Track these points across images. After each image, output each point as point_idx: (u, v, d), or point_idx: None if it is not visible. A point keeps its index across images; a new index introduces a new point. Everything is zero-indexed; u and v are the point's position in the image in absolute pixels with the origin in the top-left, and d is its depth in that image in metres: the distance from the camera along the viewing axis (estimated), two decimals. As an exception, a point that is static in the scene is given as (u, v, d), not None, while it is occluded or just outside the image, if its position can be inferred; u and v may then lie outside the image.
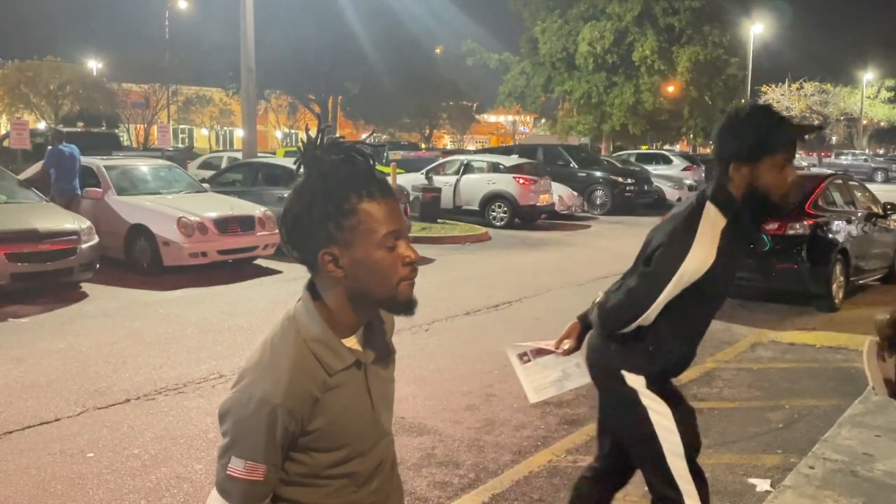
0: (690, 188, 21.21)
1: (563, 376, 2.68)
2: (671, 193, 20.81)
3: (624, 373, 2.41)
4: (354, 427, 1.42)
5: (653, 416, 2.37)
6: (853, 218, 8.82)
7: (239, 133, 34.59)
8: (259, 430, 1.32)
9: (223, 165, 16.06)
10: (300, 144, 1.46)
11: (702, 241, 2.21)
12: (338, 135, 1.86)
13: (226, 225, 9.63)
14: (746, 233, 2.31)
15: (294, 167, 1.47)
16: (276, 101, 37.45)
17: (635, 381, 2.40)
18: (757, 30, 33.42)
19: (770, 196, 2.18)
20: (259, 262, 10.29)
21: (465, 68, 35.73)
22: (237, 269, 9.87)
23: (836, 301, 8.22)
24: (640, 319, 2.31)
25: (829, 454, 3.99)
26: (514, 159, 17.44)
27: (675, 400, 2.43)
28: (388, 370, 1.54)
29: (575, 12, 30.39)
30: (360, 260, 1.36)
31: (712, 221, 2.24)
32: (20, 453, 4.19)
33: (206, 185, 11.61)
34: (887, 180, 41.08)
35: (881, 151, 60.93)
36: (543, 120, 42.81)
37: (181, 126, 47.00)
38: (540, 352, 2.67)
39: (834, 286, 8.19)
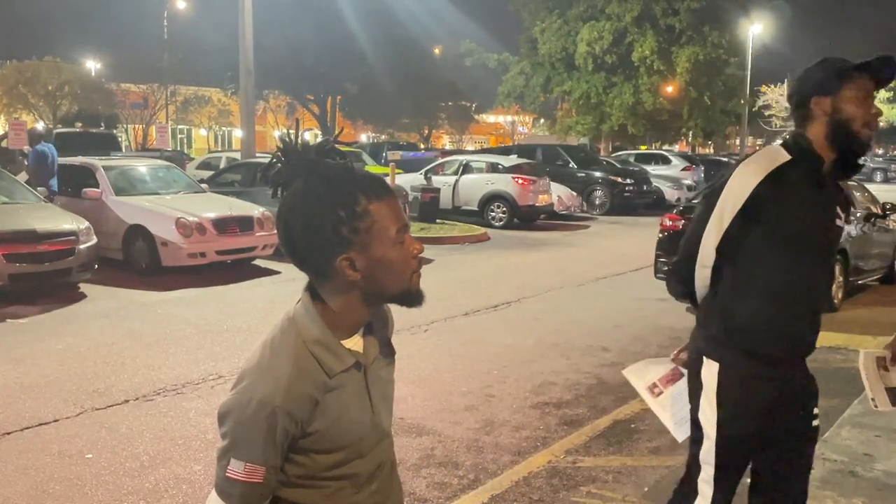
0: (689, 188, 21.22)
1: None
2: (670, 194, 20.82)
3: (705, 359, 2.22)
4: (354, 429, 1.42)
5: (700, 418, 2.25)
6: (852, 218, 8.82)
7: (237, 133, 34.56)
8: (259, 431, 1.32)
9: (222, 166, 16.06)
10: (279, 148, 1.43)
11: (744, 169, 2.15)
12: (319, 135, 1.83)
13: (224, 225, 9.62)
14: (820, 177, 2.16)
15: (274, 172, 1.42)
16: (275, 101, 37.43)
17: (708, 371, 2.21)
18: (756, 30, 33.41)
19: (852, 126, 2.11)
20: (258, 262, 10.29)
21: (463, 68, 35.72)
22: (236, 269, 9.86)
23: (836, 301, 8.22)
24: (699, 267, 2.19)
25: (828, 454, 3.98)
26: (512, 159, 17.44)
27: (742, 408, 2.18)
28: (387, 371, 1.53)
29: (574, 12, 30.39)
30: (378, 260, 1.36)
31: (765, 157, 2.18)
32: (18, 454, 4.18)
33: (204, 186, 11.60)
34: (886, 180, 41.12)
35: (880, 151, 60.91)
36: (542, 120, 42.80)
37: (180, 126, 46.99)
38: (670, 379, 2.45)
39: (833, 286, 8.18)
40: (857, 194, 9.56)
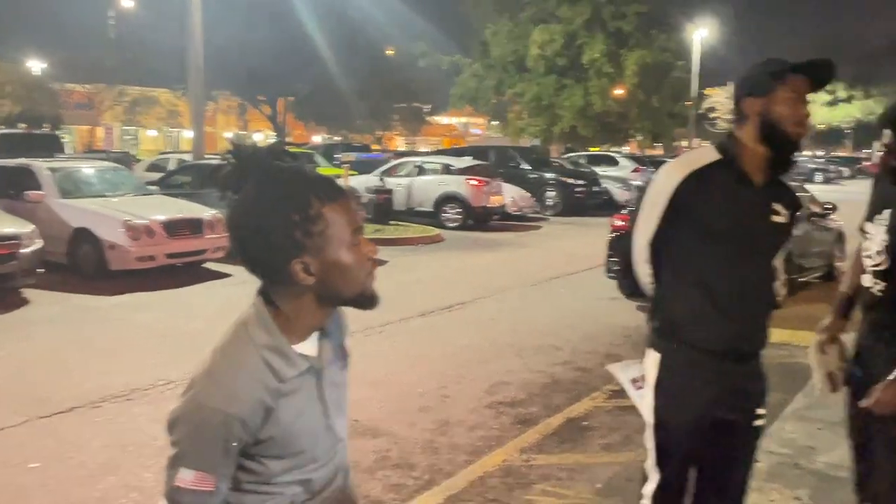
0: (639, 189, 21.55)
1: None
2: (620, 194, 21.12)
3: (649, 349, 2.31)
4: (308, 434, 1.41)
5: (643, 409, 2.32)
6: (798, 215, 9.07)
7: (187, 134, 33.97)
8: (209, 439, 1.30)
9: (171, 167, 15.78)
10: (229, 151, 1.40)
11: (668, 168, 2.24)
12: (273, 137, 1.81)
13: (174, 228, 9.45)
14: (744, 178, 2.21)
15: (224, 174, 1.39)
16: (225, 102, 36.84)
17: (651, 362, 2.29)
18: (701, 34, 34.18)
19: (782, 126, 2.15)
20: (208, 265, 10.12)
21: (417, 70, 35.71)
22: (186, 272, 9.70)
23: (779, 299, 8.44)
24: (638, 262, 2.28)
25: (774, 448, 4.10)
26: (466, 161, 17.50)
27: (682, 399, 2.24)
28: (342, 375, 1.52)
29: (525, 16, 30.67)
30: (333, 263, 1.35)
31: (699, 153, 2.26)
32: (-41, 466, 4.04)
33: (153, 188, 11.38)
34: (826, 181, 42.38)
35: (820, 153, 62.85)
36: (495, 122, 43.06)
37: (127, 128, 45.97)
38: None
39: (777, 284, 8.41)
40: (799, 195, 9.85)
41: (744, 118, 2.22)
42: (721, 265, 2.20)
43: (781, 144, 2.19)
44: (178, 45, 17.71)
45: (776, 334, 7.86)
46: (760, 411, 2.34)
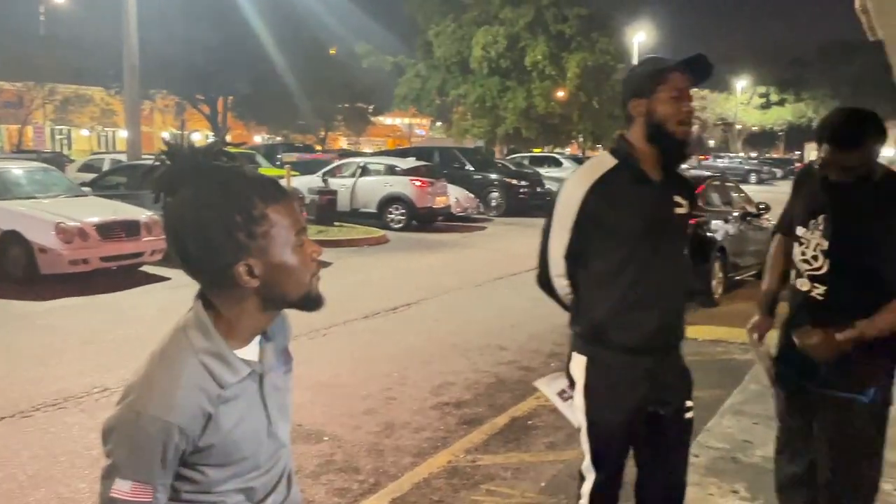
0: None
1: None
2: (563, 195, 21.40)
3: (574, 354, 2.37)
4: (249, 441, 1.38)
5: (576, 412, 2.38)
6: (730, 217, 9.34)
7: (122, 134, 33.03)
8: (147, 449, 1.25)
9: (105, 168, 15.34)
10: (163, 151, 1.36)
11: (572, 181, 2.32)
12: (210, 137, 1.76)
13: (109, 230, 9.18)
14: (641, 176, 2.27)
15: (158, 176, 1.35)
16: (163, 101, 35.97)
17: (577, 366, 2.35)
18: (640, 38, 34.90)
19: (667, 126, 2.21)
20: (145, 268, 9.86)
21: (360, 70, 35.52)
22: (122, 276, 9.43)
23: (716, 296, 8.69)
24: (554, 277, 2.36)
25: (712, 443, 4.20)
26: (410, 162, 17.49)
27: (609, 399, 2.29)
28: (285, 379, 1.49)
29: (469, 17, 30.81)
30: (277, 265, 1.32)
31: (597, 162, 2.34)
32: None
33: (86, 189, 11.03)
34: (760, 181, 43.77)
35: (754, 154, 64.85)
36: (439, 123, 43.15)
37: (59, 127, 44.49)
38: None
39: (714, 282, 8.64)
40: (734, 195, 10.14)
41: (631, 119, 2.29)
42: (636, 264, 2.25)
43: (668, 143, 2.25)
44: (113, 42, 17.20)
45: (713, 331, 8.08)
46: (689, 403, 2.38)
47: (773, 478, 2.78)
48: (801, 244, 2.52)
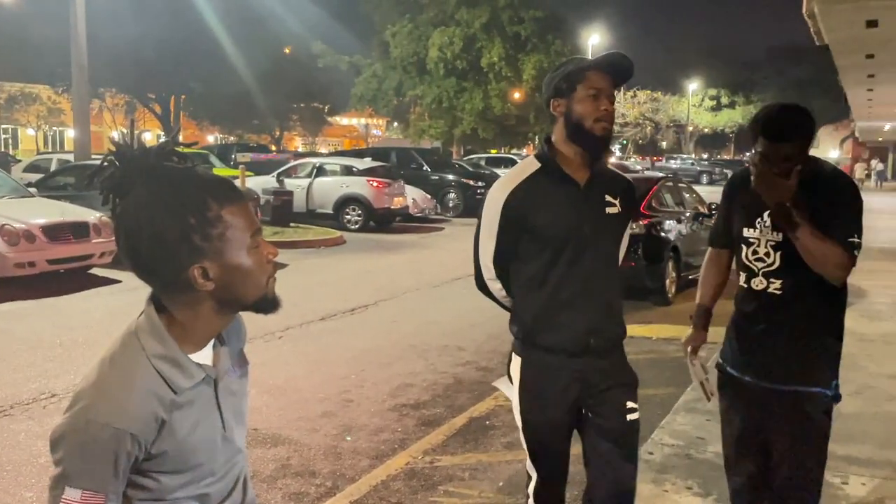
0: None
1: None
2: (520, 196, 21.54)
3: (512, 355, 2.41)
4: (204, 447, 1.35)
5: (514, 411, 2.41)
6: (683, 218, 9.51)
7: (71, 134, 32.24)
8: (97, 457, 1.22)
9: (53, 168, 14.96)
10: (111, 151, 1.33)
11: (495, 187, 2.36)
12: (161, 137, 1.72)
13: (56, 232, 8.94)
14: (563, 177, 2.28)
15: (106, 177, 1.32)
16: (112, 99, 35.20)
17: (514, 366, 2.39)
18: (594, 41, 35.34)
19: (584, 124, 2.22)
20: (95, 271, 9.63)
21: (316, 69, 35.25)
22: (70, 279, 9.19)
23: (670, 295, 8.83)
24: (487, 280, 2.43)
25: (666, 440, 4.27)
26: (367, 162, 17.41)
27: (543, 399, 2.33)
28: (240, 383, 1.47)
29: (425, 17, 30.82)
30: (233, 267, 1.30)
31: (522, 166, 2.37)
32: None
33: (32, 190, 10.73)
34: (711, 182, 44.66)
35: (706, 156, 66.17)
36: (396, 123, 43.08)
37: (3, 126, 43.23)
38: None
39: (667, 281, 8.79)
40: (686, 195, 10.33)
41: (554, 119, 2.32)
42: (562, 266, 2.26)
43: (586, 141, 2.26)
44: (60, 39, 16.76)
45: (666, 330, 8.20)
46: (631, 405, 2.37)
47: (728, 481, 2.78)
48: (748, 245, 2.55)
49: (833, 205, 2.40)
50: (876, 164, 43.74)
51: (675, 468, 3.91)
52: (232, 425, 1.42)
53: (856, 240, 2.38)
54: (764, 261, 2.51)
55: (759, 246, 2.52)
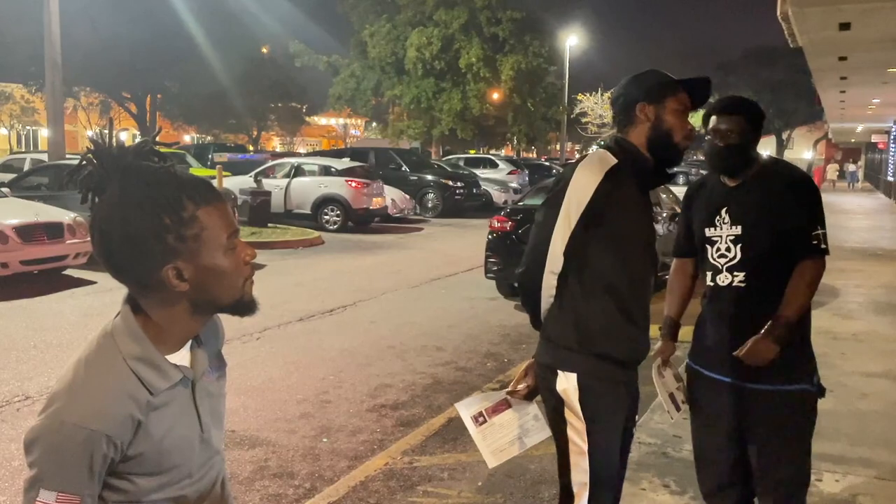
0: (516, 191, 22.15)
1: (521, 433, 2.36)
2: (498, 196, 21.61)
3: (560, 372, 2.17)
4: (181, 448, 1.34)
5: (569, 433, 2.18)
6: (660, 218, 9.58)
7: (44, 133, 31.78)
8: (72, 459, 1.21)
9: (26, 168, 14.75)
10: (89, 149, 1.32)
11: (583, 170, 2.15)
12: (137, 136, 1.70)
13: (29, 233, 8.81)
14: (644, 179, 2.23)
15: (84, 176, 1.31)
16: (87, 98, 34.78)
17: (567, 383, 2.15)
18: (572, 42, 35.50)
19: (673, 137, 2.20)
20: (69, 272, 9.52)
21: (294, 69, 35.08)
22: (44, 280, 9.07)
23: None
24: (547, 273, 2.14)
25: (643, 438, 4.30)
26: (345, 162, 17.36)
27: (608, 415, 2.17)
28: (218, 385, 1.46)
29: (403, 17, 30.77)
30: (208, 269, 1.29)
31: (599, 158, 2.18)
32: None
33: (5, 190, 10.58)
34: (687, 182, 45.05)
35: (682, 157, 66.63)
36: (375, 123, 42.97)
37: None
38: (496, 409, 2.36)
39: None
40: (663, 195, 10.41)
41: (633, 122, 2.23)
42: (628, 269, 2.16)
43: (669, 153, 2.23)
44: (34, 38, 16.54)
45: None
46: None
47: (700, 484, 2.79)
48: (711, 244, 2.62)
49: (792, 198, 2.50)
50: (847, 166, 44.39)
51: (651, 466, 3.95)
52: (210, 427, 1.41)
53: (819, 231, 2.49)
54: (726, 256, 2.58)
55: (720, 242, 2.59)
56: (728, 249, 2.57)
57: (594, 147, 2.61)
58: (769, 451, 2.55)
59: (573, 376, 2.14)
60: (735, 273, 2.56)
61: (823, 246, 2.49)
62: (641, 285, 2.21)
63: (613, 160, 2.16)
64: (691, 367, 2.75)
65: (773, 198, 2.51)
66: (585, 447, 2.14)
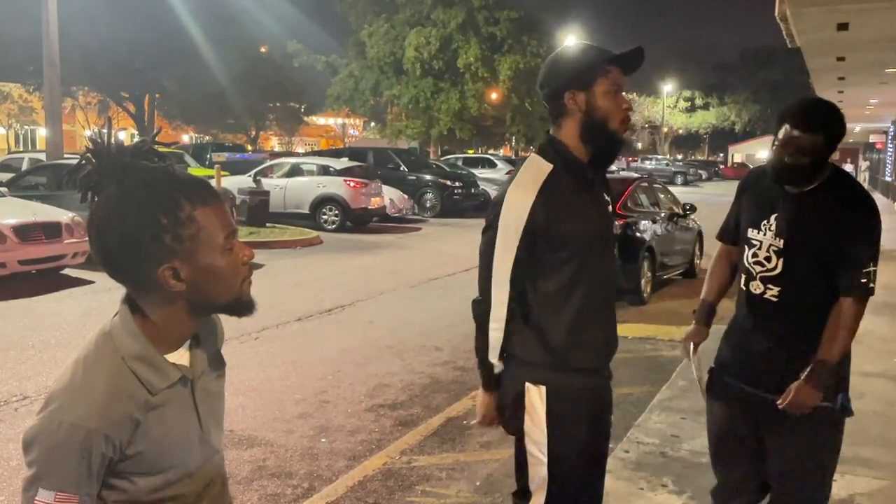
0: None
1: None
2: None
3: (528, 384, 2.08)
4: (180, 448, 1.35)
5: (528, 444, 2.13)
6: (658, 218, 9.60)
7: (42, 132, 31.73)
8: (71, 458, 1.21)
9: (24, 168, 14.74)
10: (88, 149, 1.32)
11: (515, 189, 2.05)
12: (136, 136, 1.70)
13: (27, 232, 8.80)
14: (583, 178, 2.08)
15: (83, 175, 1.31)
16: (85, 98, 34.77)
17: (536, 396, 2.07)
18: (570, 41, 35.48)
19: (609, 125, 2.03)
20: (67, 272, 9.51)
21: (292, 69, 35.07)
22: (42, 280, 9.06)
23: (645, 295, 8.91)
24: (495, 304, 2.05)
25: (641, 438, 4.31)
26: (344, 162, 17.35)
27: (571, 426, 2.07)
28: (217, 384, 1.46)
29: (401, 17, 30.76)
30: (205, 269, 1.29)
31: (532, 171, 2.06)
32: None
33: (3, 190, 10.57)
34: (686, 183, 45.12)
35: (680, 157, 66.81)
36: (373, 123, 42.98)
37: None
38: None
39: (642, 281, 8.87)
40: (661, 196, 10.43)
41: (565, 113, 2.06)
42: (587, 276, 2.06)
43: (607, 142, 2.07)
44: (32, 37, 16.53)
45: (642, 329, 8.26)
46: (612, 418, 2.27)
47: (715, 489, 2.74)
48: (751, 246, 2.47)
49: (845, 224, 2.31)
50: (844, 167, 44.46)
51: (649, 466, 3.95)
52: (209, 426, 1.42)
53: (871, 269, 2.30)
54: (763, 265, 2.43)
55: (759, 249, 2.44)
56: (768, 259, 2.41)
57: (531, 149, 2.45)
58: (784, 468, 2.46)
59: (543, 388, 2.07)
60: (769, 285, 2.42)
61: (872, 285, 2.31)
62: (602, 285, 2.11)
63: (548, 168, 2.04)
64: (714, 370, 2.65)
65: (828, 220, 2.32)
66: (545, 459, 2.08)
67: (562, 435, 2.06)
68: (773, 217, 2.41)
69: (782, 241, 2.38)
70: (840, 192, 2.36)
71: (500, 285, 2.04)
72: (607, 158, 2.14)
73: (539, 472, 2.10)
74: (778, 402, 2.34)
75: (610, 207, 2.19)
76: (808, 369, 2.30)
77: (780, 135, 2.32)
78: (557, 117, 2.09)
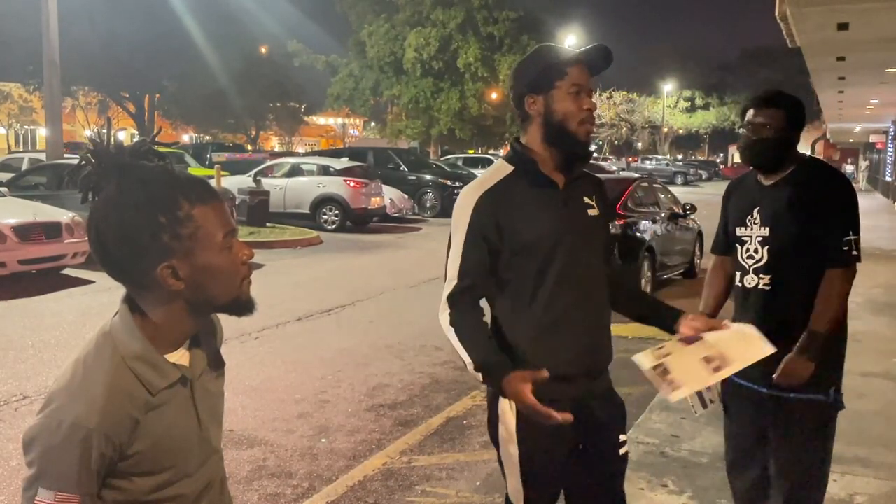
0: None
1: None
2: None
3: (500, 399, 2.02)
4: (179, 447, 1.34)
5: (502, 455, 2.10)
6: (658, 218, 9.60)
7: (42, 132, 31.74)
8: (71, 457, 1.21)
9: (24, 167, 14.75)
10: (88, 149, 1.33)
11: (464, 193, 2.07)
12: (136, 135, 1.71)
13: (27, 232, 8.80)
14: (544, 181, 2.04)
15: (83, 175, 1.32)
16: (85, 98, 34.79)
17: (507, 405, 2.01)
18: (570, 42, 35.53)
19: (568, 126, 1.99)
20: (67, 271, 9.51)
21: (292, 68, 35.10)
22: (42, 280, 9.06)
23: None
24: (444, 291, 2.05)
25: (641, 438, 4.31)
26: (344, 162, 17.35)
27: (542, 438, 1.99)
28: (216, 384, 1.46)
29: (401, 17, 30.81)
30: (203, 268, 1.29)
31: (493, 170, 2.10)
32: None
33: (3, 189, 10.57)
34: (686, 183, 45.12)
35: (680, 157, 66.77)
36: (373, 123, 42.99)
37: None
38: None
39: (643, 281, 8.87)
40: (661, 195, 10.43)
41: (527, 118, 2.07)
42: (551, 278, 2.00)
43: (569, 144, 2.03)
44: (32, 37, 16.53)
45: (642, 330, 8.21)
46: (623, 438, 2.16)
47: (732, 489, 2.77)
48: (741, 244, 2.59)
49: (824, 201, 2.44)
50: (844, 167, 44.48)
51: (649, 466, 3.95)
52: (208, 426, 1.42)
53: (851, 237, 2.42)
54: (753, 257, 2.55)
55: (750, 243, 2.56)
56: (756, 251, 2.54)
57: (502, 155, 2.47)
58: (779, 459, 2.53)
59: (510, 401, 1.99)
60: (761, 276, 2.52)
61: (855, 252, 2.41)
62: (577, 289, 2.03)
63: (508, 170, 2.06)
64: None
65: (804, 199, 2.44)
66: (517, 470, 2.05)
67: (533, 446, 2.01)
68: (755, 210, 2.55)
69: (768, 230, 2.51)
70: (813, 172, 2.52)
71: (449, 281, 2.05)
72: (573, 160, 2.08)
73: (514, 483, 2.08)
74: (774, 376, 2.41)
75: (594, 210, 2.11)
76: (800, 340, 2.40)
77: (746, 118, 2.53)
78: (523, 122, 2.10)
